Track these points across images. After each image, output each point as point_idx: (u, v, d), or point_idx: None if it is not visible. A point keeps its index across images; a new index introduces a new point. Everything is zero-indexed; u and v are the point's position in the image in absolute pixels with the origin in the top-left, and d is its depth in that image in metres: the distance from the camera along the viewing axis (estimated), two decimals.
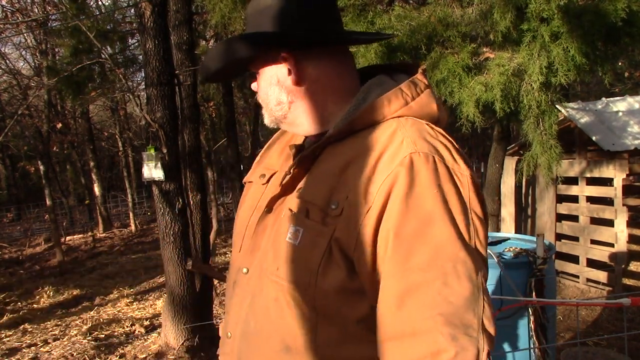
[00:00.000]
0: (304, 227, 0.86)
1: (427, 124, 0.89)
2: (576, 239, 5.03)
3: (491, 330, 0.76)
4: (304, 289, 0.85)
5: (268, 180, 1.03)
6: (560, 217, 5.22)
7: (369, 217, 0.80)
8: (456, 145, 0.88)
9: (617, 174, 4.49)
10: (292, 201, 0.91)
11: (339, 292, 0.84)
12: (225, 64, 0.95)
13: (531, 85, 2.65)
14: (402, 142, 0.83)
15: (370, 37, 1.34)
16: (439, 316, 0.74)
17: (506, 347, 2.50)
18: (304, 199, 0.88)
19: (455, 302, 0.74)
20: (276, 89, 0.97)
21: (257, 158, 1.15)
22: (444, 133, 0.89)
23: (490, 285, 2.41)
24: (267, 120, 1.02)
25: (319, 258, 0.84)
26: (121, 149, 15.14)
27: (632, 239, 4.84)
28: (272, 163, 1.07)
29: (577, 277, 4.98)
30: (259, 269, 0.93)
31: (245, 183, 1.12)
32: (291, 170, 0.93)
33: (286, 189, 0.94)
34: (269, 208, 0.96)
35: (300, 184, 0.93)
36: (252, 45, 0.94)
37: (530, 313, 2.39)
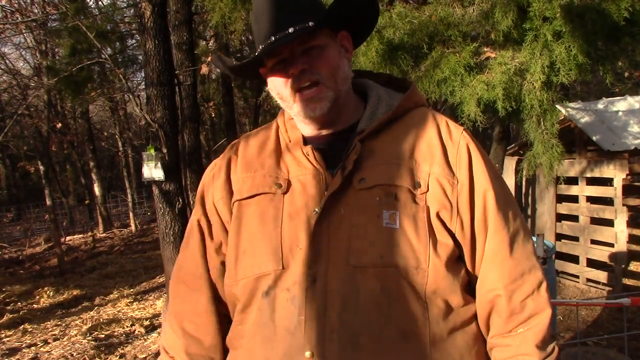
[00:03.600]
0: (400, 209, 0.90)
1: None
2: (576, 239, 5.03)
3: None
4: (415, 270, 0.89)
5: (288, 189, 0.97)
6: (560, 217, 5.21)
7: (461, 185, 0.94)
8: None
9: (617, 174, 4.48)
10: (368, 190, 0.92)
11: (447, 264, 0.91)
12: (314, 23, 0.94)
13: (533, 84, 2.65)
14: (446, 122, 1.01)
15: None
16: (532, 254, 0.96)
17: None
18: (387, 184, 0.92)
19: (530, 240, 0.98)
20: (345, 62, 1.01)
21: (221, 178, 1.05)
22: None
23: None
24: (328, 101, 0.96)
25: (425, 234, 0.90)
26: (121, 149, 15.13)
27: (632, 239, 4.84)
28: (275, 172, 0.99)
29: (577, 277, 4.98)
30: (340, 269, 0.88)
31: (238, 201, 1.01)
32: (350, 163, 0.93)
33: (345, 183, 0.93)
34: (325, 208, 0.91)
35: (365, 173, 0.93)
36: (330, 16, 0.96)
37: None
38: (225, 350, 1.05)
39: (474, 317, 0.97)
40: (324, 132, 1.02)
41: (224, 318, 1.05)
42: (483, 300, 0.95)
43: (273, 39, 0.93)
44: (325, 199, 0.91)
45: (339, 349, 0.86)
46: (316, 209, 0.92)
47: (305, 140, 1.01)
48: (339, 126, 1.01)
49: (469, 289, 0.97)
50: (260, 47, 0.97)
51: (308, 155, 0.97)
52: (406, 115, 1.01)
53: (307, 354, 0.86)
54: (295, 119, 1.04)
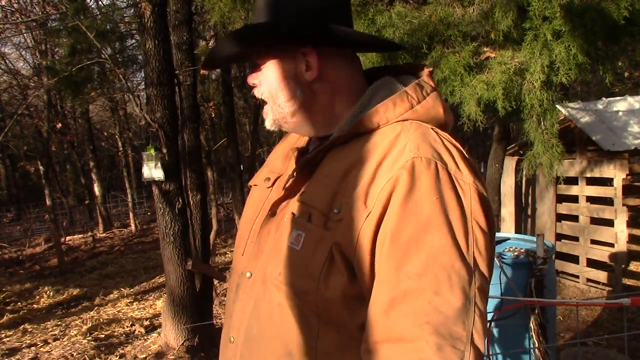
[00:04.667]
0: (306, 232, 0.85)
1: (432, 129, 0.87)
2: (576, 239, 5.03)
3: (480, 345, 0.74)
4: (305, 295, 0.83)
5: (273, 184, 1.02)
6: (560, 217, 5.21)
7: (368, 221, 0.79)
8: (462, 151, 0.85)
9: (617, 174, 4.48)
10: (294, 205, 0.89)
11: (340, 298, 0.82)
12: (242, 49, 0.92)
13: (533, 84, 2.65)
14: (405, 146, 0.82)
15: (382, 43, 1.26)
16: (426, 325, 0.72)
17: (506, 347, 2.50)
18: (306, 203, 0.87)
19: (445, 312, 0.72)
20: (292, 84, 0.92)
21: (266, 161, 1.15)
22: (449, 138, 0.87)
23: (490, 285, 2.40)
24: (269, 120, 0.95)
25: (320, 263, 0.83)
26: (121, 149, 15.13)
27: (632, 239, 4.84)
28: (276, 166, 1.06)
29: (577, 277, 4.98)
30: (262, 273, 0.90)
31: (250, 186, 1.11)
32: (294, 174, 0.92)
33: (289, 193, 0.92)
34: (273, 212, 0.94)
35: (303, 188, 0.91)
36: (276, 34, 0.90)
37: (530, 313, 2.38)
38: None
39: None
40: (317, 134, 1.00)
41: None
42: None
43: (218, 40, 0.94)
44: (270, 203, 0.96)
45: (244, 344, 0.92)
46: (269, 211, 0.97)
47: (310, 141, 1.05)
48: (327, 130, 0.96)
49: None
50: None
51: (293, 157, 1.01)
52: (379, 130, 0.88)
53: (231, 339, 0.95)
54: None
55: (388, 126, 0.87)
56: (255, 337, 0.90)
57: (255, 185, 1.08)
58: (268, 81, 0.93)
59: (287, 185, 0.93)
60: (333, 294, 0.82)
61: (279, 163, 1.06)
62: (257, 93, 0.95)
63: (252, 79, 0.95)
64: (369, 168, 0.83)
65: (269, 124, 0.97)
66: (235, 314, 0.95)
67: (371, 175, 0.82)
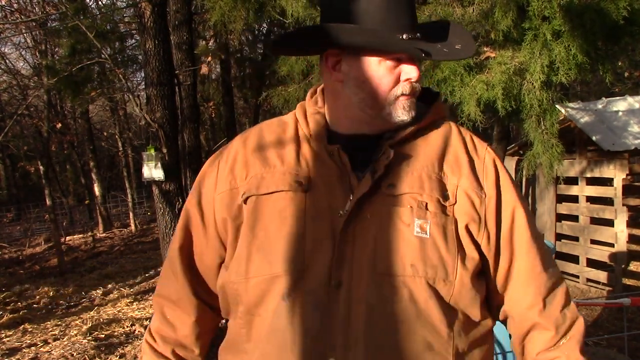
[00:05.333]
0: (430, 220, 0.89)
1: None
2: (576, 239, 5.03)
3: None
4: (443, 281, 0.87)
5: (308, 187, 0.92)
6: (560, 217, 5.21)
7: (488, 199, 0.94)
8: None
9: (617, 174, 4.48)
10: (397, 197, 0.90)
11: (472, 277, 0.91)
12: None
13: (532, 84, 2.65)
14: (472, 137, 1.01)
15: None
16: (556, 267, 1.01)
17: (506, 347, 2.49)
18: (417, 193, 0.91)
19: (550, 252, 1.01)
20: None
21: (226, 170, 0.99)
22: None
23: None
24: (414, 112, 0.96)
25: (454, 246, 0.89)
26: (121, 149, 15.14)
27: (632, 239, 4.84)
28: (295, 169, 0.95)
29: (577, 277, 4.98)
30: (365, 276, 0.86)
31: (255, 196, 0.94)
32: (381, 167, 0.91)
33: (373, 189, 0.90)
34: (358, 211, 0.88)
35: (394, 179, 0.91)
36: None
37: None
38: (203, 342, 1.06)
39: (490, 332, 0.98)
40: (346, 131, 0.98)
41: (205, 311, 1.05)
42: (523, 317, 0.97)
43: (419, 35, 0.92)
44: (353, 202, 0.88)
45: (363, 358, 0.84)
46: (341, 212, 0.88)
47: (330, 138, 0.96)
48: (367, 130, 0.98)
49: (486, 304, 0.97)
50: (404, 36, 0.90)
51: (332, 154, 0.93)
52: (432, 126, 1.00)
53: None
54: (335, 113, 0.99)
55: (439, 122, 1.01)
56: (385, 340, 0.85)
57: (269, 193, 0.93)
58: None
59: (375, 177, 0.90)
60: (467, 274, 0.90)
61: (292, 166, 0.95)
62: (412, 89, 0.94)
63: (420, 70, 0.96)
64: (461, 155, 0.96)
65: (410, 116, 0.95)
66: (334, 331, 0.85)
67: (468, 162, 0.96)
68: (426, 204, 0.90)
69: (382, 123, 0.95)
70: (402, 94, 0.92)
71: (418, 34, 0.91)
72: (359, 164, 0.93)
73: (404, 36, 0.90)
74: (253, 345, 0.91)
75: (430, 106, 1.01)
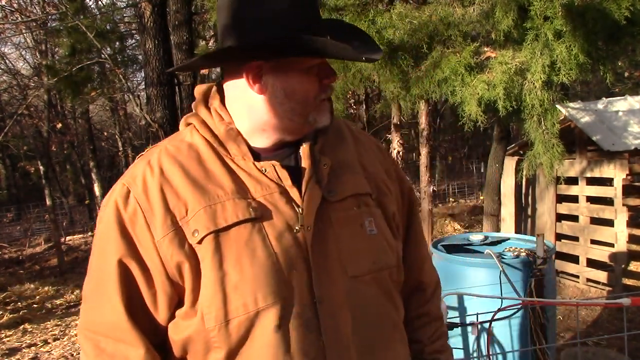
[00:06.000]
0: (372, 216, 0.96)
1: None
2: (576, 239, 5.03)
3: None
4: (395, 268, 0.98)
5: (262, 212, 0.87)
6: (560, 217, 5.21)
7: (396, 187, 1.06)
8: None
9: (617, 174, 4.48)
10: (341, 202, 0.93)
11: (401, 258, 1.03)
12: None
13: (533, 83, 2.65)
14: (358, 130, 1.11)
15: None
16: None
17: (506, 347, 2.50)
18: (356, 193, 0.96)
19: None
20: None
21: (158, 210, 0.86)
22: None
23: (491, 286, 2.41)
24: (328, 120, 0.97)
25: (392, 235, 1.00)
26: (121, 149, 15.13)
27: (632, 239, 4.83)
28: (242, 195, 0.88)
29: (577, 277, 4.98)
30: (341, 283, 0.88)
31: (214, 233, 0.85)
32: (325, 175, 0.93)
33: (322, 199, 0.91)
34: (318, 224, 0.89)
35: (331, 185, 0.93)
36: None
37: (530, 313, 2.38)
38: None
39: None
40: (267, 144, 0.94)
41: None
42: (411, 282, 1.09)
43: (329, 37, 0.89)
44: (314, 215, 0.88)
45: (360, 354, 0.89)
46: (296, 227, 0.87)
47: (253, 155, 0.92)
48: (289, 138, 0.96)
49: None
50: (327, 37, 0.88)
51: (266, 172, 0.90)
52: (333, 125, 1.03)
53: None
54: (252, 128, 0.93)
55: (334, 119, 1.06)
56: (369, 336, 0.92)
57: (228, 227, 0.86)
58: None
59: (322, 186, 0.91)
60: (402, 254, 1.04)
61: (236, 192, 0.88)
62: (331, 90, 0.97)
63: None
64: (367, 148, 1.05)
65: (329, 119, 0.96)
66: (329, 346, 0.86)
67: (372, 154, 1.05)
68: (365, 202, 0.96)
69: (302, 129, 0.94)
70: (324, 98, 0.93)
71: (326, 36, 0.90)
72: (292, 175, 0.90)
73: (327, 38, 0.88)
74: None
75: None
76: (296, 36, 0.86)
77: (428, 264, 1.14)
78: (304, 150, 0.93)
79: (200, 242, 0.85)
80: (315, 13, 0.93)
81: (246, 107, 0.92)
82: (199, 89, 1.00)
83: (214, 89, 0.99)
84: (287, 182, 0.89)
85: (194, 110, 0.98)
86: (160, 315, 0.89)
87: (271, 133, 0.93)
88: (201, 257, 0.85)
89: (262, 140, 0.93)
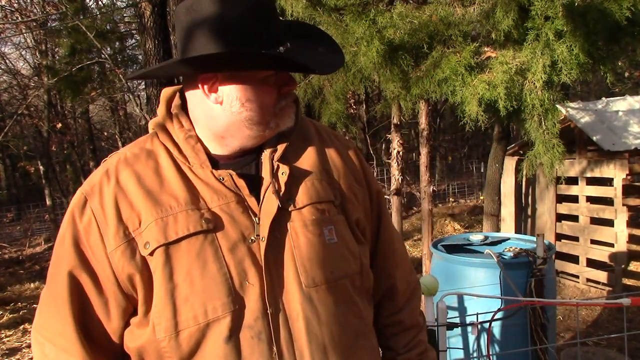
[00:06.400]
0: (333, 224, 0.94)
1: None
2: (576, 239, 5.03)
3: None
4: (358, 275, 0.96)
5: (215, 222, 0.87)
6: (560, 217, 5.21)
7: (363, 191, 1.02)
8: None
9: (617, 174, 4.48)
10: (300, 211, 0.91)
11: (366, 265, 0.99)
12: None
13: (534, 83, 2.65)
14: (333, 134, 1.06)
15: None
16: (401, 241, 1.16)
17: (506, 347, 2.50)
18: (315, 202, 0.93)
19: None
20: None
21: (111, 221, 0.87)
22: None
23: (491, 286, 2.41)
24: (295, 118, 0.97)
25: (354, 242, 0.97)
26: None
27: (632, 239, 4.84)
28: (196, 206, 0.88)
29: (577, 277, 4.98)
30: (295, 294, 0.88)
31: (165, 246, 0.86)
32: (282, 184, 0.91)
33: (280, 205, 0.90)
34: (274, 235, 0.88)
35: (290, 194, 0.92)
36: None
37: (530, 313, 2.38)
38: None
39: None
40: (227, 152, 0.94)
41: None
42: (381, 288, 1.07)
43: (282, 49, 0.88)
44: (269, 225, 0.87)
45: None
46: (252, 237, 0.87)
47: (212, 163, 0.92)
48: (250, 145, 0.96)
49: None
50: (280, 49, 0.89)
51: (223, 180, 0.89)
52: (299, 129, 1.00)
53: None
54: (206, 135, 0.93)
55: (301, 122, 1.02)
56: (325, 345, 0.89)
57: (179, 239, 0.86)
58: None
59: (280, 196, 0.90)
60: (367, 261, 1.00)
61: (184, 205, 0.87)
62: (291, 96, 0.96)
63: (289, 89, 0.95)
64: (332, 153, 1.01)
65: (294, 121, 0.96)
66: (282, 356, 0.86)
67: (338, 159, 1.00)
68: (325, 210, 0.94)
69: (263, 135, 0.94)
70: (286, 105, 0.92)
71: (286, 45, 0.89)
72: (250, 184, 0.91)
73: (280, 49, 0.88)
74: None
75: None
76: (245, 50, 0.86)
77: (402, 269, 1.09)
78: (264, 157, 0.93)
79: (151, 254, 0.86)
80: (271, 20, 0.90)
81: (205, 115, 0.92)
82: (164, 93, 0.99)
83: (177, 94, 0.98)
84: (244, 191, 0.90)
85: (158, 115, 0.98)
86: (113, 324, 0.89)
87: (230, 141, 0.93)
88: (153, 268, 0.86)
89: (222, 148, 0.94)
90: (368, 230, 1.03)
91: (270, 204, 0.89)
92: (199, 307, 0.85)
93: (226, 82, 0.89)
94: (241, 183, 0.90)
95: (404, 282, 1.09)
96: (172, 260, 0.85)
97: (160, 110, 0.97)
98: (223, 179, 0.90)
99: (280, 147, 0.95)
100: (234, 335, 0.85)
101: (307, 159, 0.97)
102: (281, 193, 0.90)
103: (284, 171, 0.92)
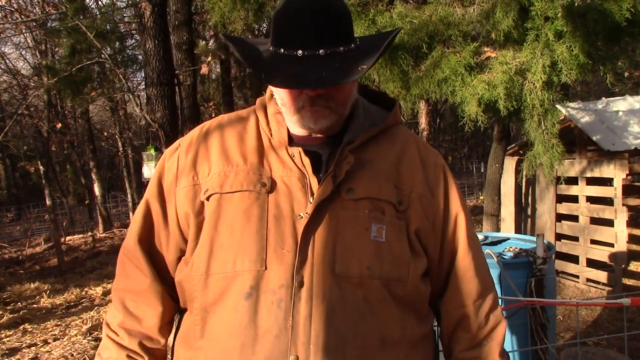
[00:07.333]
0: (386, 224, 0.93)
1: None
2: (576, 239, 5.03)
3: None
4: (397, 282, 0.93)
5: (271, 189, 0.94)
6: (560, 217, 5.21)
7: (437, 206, 1.01)
8: None
9: (617, 174, 4.48)
10: (355, 202, 0.93)
11: (422, 278, 0.98)
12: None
13: (534, 84, 2.65)
14: (424, 145, 1.08)
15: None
16: (489, 271, 1.07)
17: (506, 347, 2.50)
18: (374, 198, 0.94)
19: (485, 258, 1.09)
20: (356, 86, 1.03)
21: (188, 165, 1.00)
22: None
23: None
24: (332, 120, 0.96)
25: (407, 249, 0.95)
26: (121, 149, 15.14)
27: (632, 239, 4.84)
28: (259, 170, 0.96)
29: (577, 277, 4.98)
30: (326, 277, 0.88)
31: (219, 194, 0.95)
32: (342, 172, 0.93)
33: (334, 191, 0.92)
34: (319, 214, 0.91)
35: (353, 184, 0.94)
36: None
37: (530, 313, 2.38)
38: (167, 332, 1.05)
39: (433, 328, 1.07)
40: (312, 135, 1.00)
41: (169, 301, 1.03)
42: (451, 316, 1.04)
43: (300, 53, 0.89)
44: (314, 205, 0.90)
45: (324, 354, 0.87)
46: (301, 214, 0.91)
47: (290, 140, 0.99)
48: (325, 133, 1.00)
49: (430, 301, 1.05)
50: (281, 50, 0.91)
51: (294, 157, 0.96)
52: (389, 132, 1.04)
53: (292, 358, 0.86)
54: (286, 117, 1.01)
55: (395, 127, 1.06)
56: (344, 337, 0.89)
57: (233, 192, 0.94)
58: (343, 91, 0.96)
59: (337, 182, 0.93)
60: (418, 275, 0.96)
61: (256, 166, 0.97)
62: (323, 102, 0.94)
63: (321, 90, 0.94)
64: (416, 162, 1.02)
65: (326, 124, 0.96)
66: (296, 329, 0.87)
67: (420, 169, 1.01)
68: (383, 209, 0.94)
69: (307, 129, 0.98)
70: (303, 107, 0.94)
71: (300, 51, 0.89)
72: (320, 167, 0.96)
73: (281, 50, 0.91)
74: (208, 343, 0.93)
75: (389, 112, 1.06)
76: (262, 66, 0.93)
77: (482, 302, 1.03)
78: (343, 148, 0.97)
79: (207, 199, 0.96)
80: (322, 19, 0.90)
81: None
82: None
83: None
84: (308, 169, 0.94)
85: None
86: (170, 256, 1.02)
87: (290, 123, 1.00)
88: (206, 214, 0.96)
89: (293, 128, 1.00)
90: (432, 245, 1.00)
91: (326, 187, 0.92)
92: (230, 256, 0.91)
93: None
94: (307, 161, 0.94)
95: (484, 315, 1.03)
96: (221, 209, 0.94)
97: (268, 90, 1.07)
98: (293, 155, 0.96)
99: (358, 140, 0.98)
100: (254, 294, 0.89)
101: (384, 159, 1.00)
102: (339, 179, 0.93)
103: (349, 160, 0.94)
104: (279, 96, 0.97)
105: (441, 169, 1.04)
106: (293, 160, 0.96)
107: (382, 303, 0.92)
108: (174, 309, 1.05)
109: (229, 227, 0.93)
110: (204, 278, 0.92)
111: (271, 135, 1.00)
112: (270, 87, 1.05)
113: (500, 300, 2.33)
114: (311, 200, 0.92)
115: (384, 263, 0.92)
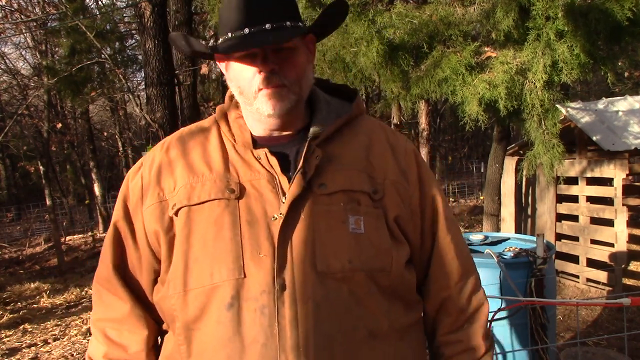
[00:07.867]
0: (364, 215, 0.92)
1: None
2: (576, 239, 5.03)
3: None
4: (380, 272, 0.92)
5: (240, 194, 0.92)
6: (560, 217, 5.21)
7: (413, 191, 0.99)
8: None
9: (617, 174, 4.48)
10: (329, 196, 0.91)
11: (405, 265, 0.96)
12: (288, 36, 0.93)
13: (534, 83, 2.65)
14: (392, 131, 1.07)
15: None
16: (470, 254, 1.08)
17: (506, 347, 2.50)
18: (348, 190, 0.93)
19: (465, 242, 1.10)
20: (311, 68, 1.00)
21: (152, 183, 0.98)
22: None
23: (491, 285, 2.40)
24: (291, 102, 0.93)
25: (388, 239, 0.93)
26: (121, 149, 15.13)
27: (632, 239, 4.83)
28: (225, 176, 0.94)
29: (577, 277, 4.98)
30: (308, 276, 0.87)
31: (187, 207, 0.93)
32: (312, 167, 0.92)
33: (306, 188, 0.91)
34: (293, 214, 0.89)
35: (324, 178, 0.93)
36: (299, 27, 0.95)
37: (531, 313, 2.38)
38: (155, 355, 1.02)
39: (422, 314, 1.05)
40: (275, 134, 0.98)
41: (152, 323, 1.01)
42: (434, 299, 1.03)
43: (247, 31, 0.89)
44: (288, 204, 0.88)
45: (314, 354, 0.85)
46: (275, 215, 0.89)
47: (255, 142, 0.97)
48: (288, 129, 0.99)
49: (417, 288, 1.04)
50: (229, 35, 0.91)
51: (260, 159, 0.94)
52: (354, 122, 1.03)
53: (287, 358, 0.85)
54: (247, 118, 0.99)
55: (360, 117, 1.05)
56: (333, 335, 0.87)
57: (201, 203, 0.92)
58: (295, 66, 0.93)
59: (307, 178, 0.91)
60: (401, 263, 0.95)
61: (222, 174, 0.94)
62: (277, 79, 0.91)
63: (272, 64, 0.91)
64: (386, 150, 1.00)
65: (285, 107, 0.93)
66: (283, 334, 0.85)
67: (391, 156, 1.00)
68: (359, 200, 0.93)
69: (280, 122, 0.97)
70: (259, 88, 0.92)
71: (246, 29, 0.89)
72: (288, 166, 0.95)
73: (229, 34, 0.91)
74: None
75: (351, 103, 1.05)
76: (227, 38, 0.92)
77: (464, 284, 1.02)
78: (310, 143, 0.95)
79: (176, 214, 0.93)
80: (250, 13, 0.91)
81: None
82: None
83: None
84: (277, 169, 0.92)
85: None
86: (144, 278, 1.00)
87: (256, 124, 0.98)
88: (176, 229, 0.93)
89: (256, 130, 0.99)
90: (412, 231, 0.99)
91: (297, 185, 0.90)
92: (206, 269, 0.89)
93: (224, 63, 0.98)
94: (274, 162, 0.93)
95: (465, 297, 1.02)
96: (192, 222, 0.92)
97: (227, 96, 1.06)
98: (259, 157, 0.94)
99: (324, 133, 0.96)
100: (236, 304, 0.86)
101: (353, 149, 0.98)
102: (309, 175, 0.91)
103: (317, 155, 0.93)
104: (236, 85, 0.95)
105: (412, 154, 1.04)
106: (260, 162, 0.94)
107: (368, 295, 0.90)
108: (157, 331, 1.03)
109: (202, 239, 0.90)
110: (182, 295, 0.90)
111: (235, 140, 0.98)
112: (227, 94, 1.05)
113: (500, 301, 2.34)
114: (284, 200, 0.89)
115: (366, 254, 0.90)
